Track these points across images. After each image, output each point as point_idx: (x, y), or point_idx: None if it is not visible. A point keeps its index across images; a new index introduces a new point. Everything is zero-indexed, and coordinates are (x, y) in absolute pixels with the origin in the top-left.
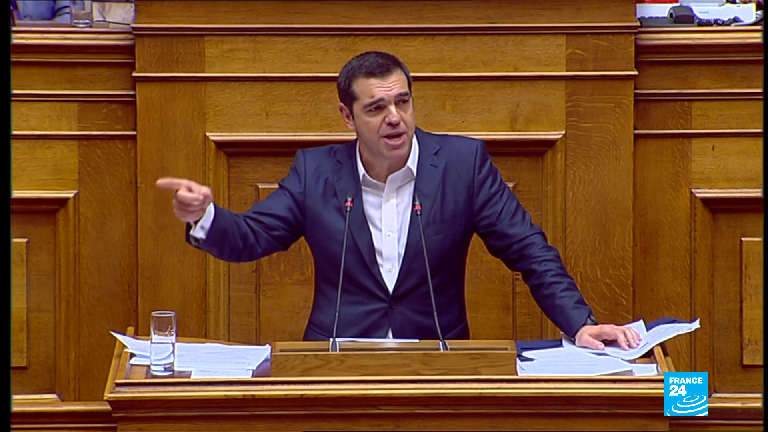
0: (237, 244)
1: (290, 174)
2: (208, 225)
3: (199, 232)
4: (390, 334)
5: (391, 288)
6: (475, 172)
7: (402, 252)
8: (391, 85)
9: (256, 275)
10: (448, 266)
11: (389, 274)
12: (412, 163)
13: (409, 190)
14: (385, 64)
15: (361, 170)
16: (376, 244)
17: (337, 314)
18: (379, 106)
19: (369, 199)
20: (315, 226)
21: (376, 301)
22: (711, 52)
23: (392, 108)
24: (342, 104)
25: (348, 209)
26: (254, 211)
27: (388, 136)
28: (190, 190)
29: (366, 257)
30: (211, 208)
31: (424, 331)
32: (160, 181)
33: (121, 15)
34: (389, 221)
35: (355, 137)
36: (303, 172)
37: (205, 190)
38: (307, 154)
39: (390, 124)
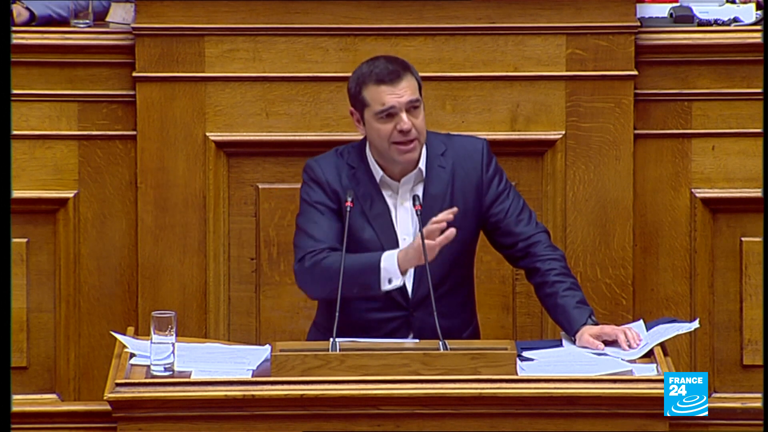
0: None
1: (312, 187)
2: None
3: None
4: (411, 337)
5: (410, 293)
6: (483, 171)
7: None
8: (401, 92)
9: (256, 275)
10: (460, 266)
11: (407, 277)
12: (422, 164)
13: (420, 191)
14: (395, 71)
15: (379, 172)
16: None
17: (336, 314)
18: (390, 114)
19: (387, 201)
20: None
21: (396, 308)
22: (711, 52)
23: (403, 115)
24: (352, 109)
25: (348, 209)
26: (330, 246)
27: (399, 143)
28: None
29: None
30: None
31: (444, 332)
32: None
33: (121, 15)
34: (404, 224)
35: (360, 137)
36: (324, 181)
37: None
38: (320, 161)
39: (401, 131)
